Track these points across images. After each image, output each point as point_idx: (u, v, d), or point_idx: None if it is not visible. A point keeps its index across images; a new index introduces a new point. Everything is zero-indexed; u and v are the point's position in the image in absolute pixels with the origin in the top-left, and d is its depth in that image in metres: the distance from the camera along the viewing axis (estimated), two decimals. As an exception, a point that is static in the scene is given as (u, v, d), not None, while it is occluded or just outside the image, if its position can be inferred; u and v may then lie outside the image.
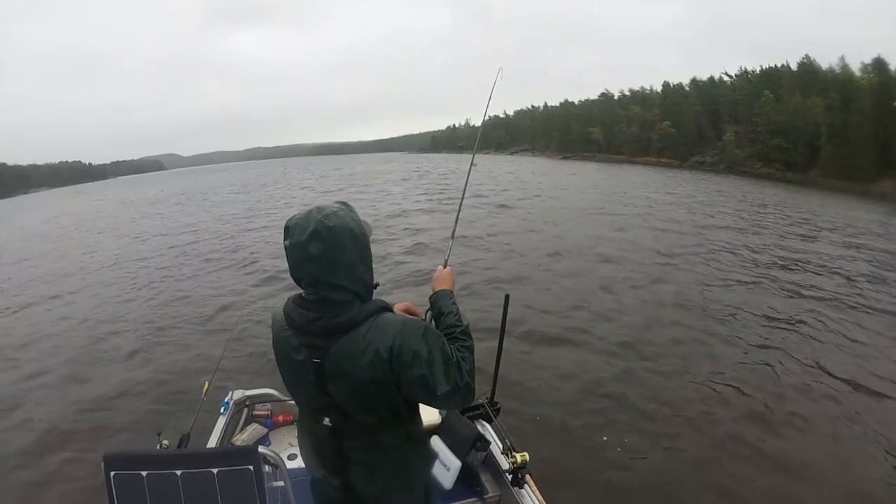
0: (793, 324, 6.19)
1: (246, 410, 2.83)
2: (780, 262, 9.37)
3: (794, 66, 41.41)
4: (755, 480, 3.33)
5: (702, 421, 4.03)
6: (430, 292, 1.44)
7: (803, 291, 7.56)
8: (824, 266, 9.32)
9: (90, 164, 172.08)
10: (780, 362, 5.05)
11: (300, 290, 1.23)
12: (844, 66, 37.38)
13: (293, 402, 1.67)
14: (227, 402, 2.75)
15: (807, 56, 40.38)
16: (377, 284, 1.28)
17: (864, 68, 35.56)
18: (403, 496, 1.36)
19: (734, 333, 5.86)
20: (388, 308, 1.24)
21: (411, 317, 1.26)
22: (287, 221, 1.19)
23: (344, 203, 1.23)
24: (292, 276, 1.21)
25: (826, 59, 40.39)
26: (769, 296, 7.30)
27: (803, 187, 30.63)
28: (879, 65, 34.25)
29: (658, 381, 4.68)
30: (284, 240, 1.19)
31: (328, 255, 1.14)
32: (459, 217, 1.88)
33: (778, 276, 8.34)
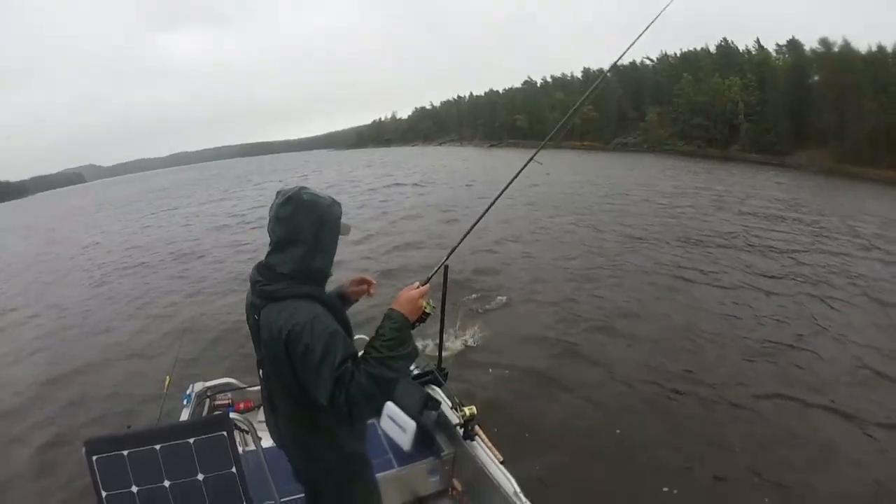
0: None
1: (208, 401, 2.89)
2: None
3: (713, 49, 41.29)
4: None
5: (637, 359, 4.47)
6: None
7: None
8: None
9: (8, 182, 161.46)
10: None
11: None
12: (760, 48, 37.56)
13: (252, 389, 2.60)
14: (189, 395, 2.83)
15: (724, 39, 40.46)
16: (330, 275, 1.36)
17: (780, 49, 35.89)
18: (322, 465, 1.41)
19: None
20: (319, 299, 1.28)
21: (327, 318, 1.25)
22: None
23: (335, 200, 1.34)
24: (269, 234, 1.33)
25: (743, 42, 40.53)
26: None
27: (725, 162, 30.44)
28: (794, 45, 34.49)
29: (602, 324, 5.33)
30: None
31: (293, 220, 1.26)
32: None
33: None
